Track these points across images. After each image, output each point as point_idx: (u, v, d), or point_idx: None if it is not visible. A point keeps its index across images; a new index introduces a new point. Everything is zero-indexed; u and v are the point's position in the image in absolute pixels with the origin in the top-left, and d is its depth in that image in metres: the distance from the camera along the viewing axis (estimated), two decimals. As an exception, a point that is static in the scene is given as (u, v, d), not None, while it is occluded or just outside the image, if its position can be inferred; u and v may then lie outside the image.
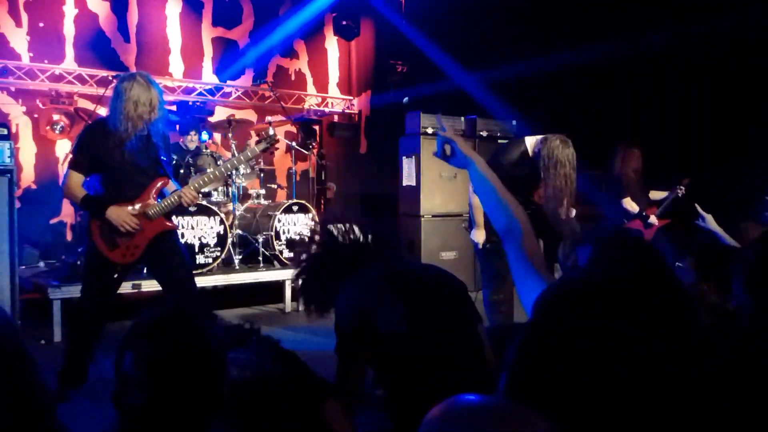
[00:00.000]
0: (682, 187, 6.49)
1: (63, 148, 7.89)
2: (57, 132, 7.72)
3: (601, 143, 6.92)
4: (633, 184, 6.62)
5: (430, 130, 7.86)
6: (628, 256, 1.63)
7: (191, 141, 7.32)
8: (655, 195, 6.71)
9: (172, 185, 4.21)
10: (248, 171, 7.26)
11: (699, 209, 4.78)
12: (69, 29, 8.14)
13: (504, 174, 4.81)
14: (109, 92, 6.75)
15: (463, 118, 8.15)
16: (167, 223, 4.11)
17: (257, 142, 4.57)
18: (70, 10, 8.13)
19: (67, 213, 7.83)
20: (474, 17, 8.49)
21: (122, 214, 3.88)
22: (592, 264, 1.83)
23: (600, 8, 7.44)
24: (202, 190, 5.78)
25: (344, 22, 9.69)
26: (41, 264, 7.30)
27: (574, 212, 5.14)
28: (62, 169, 7.21)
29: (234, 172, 6.90)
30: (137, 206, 3.97)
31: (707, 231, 4.63)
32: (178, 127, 7.42)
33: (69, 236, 7.87)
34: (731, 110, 7.38)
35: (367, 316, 2.03)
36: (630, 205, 6.54)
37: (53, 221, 7.92)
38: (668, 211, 6.52)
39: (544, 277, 1.62)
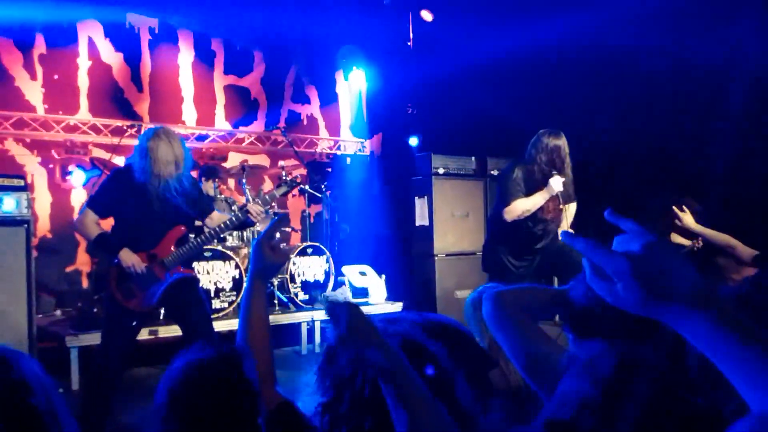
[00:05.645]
0: (700, 242, 6.39)
1: (78, 197, 7.97)
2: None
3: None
4: (668, 224, 6.51)
5: (441, 171, 7.91)
6: None
7: (208, 189, 7.33)
8: (676, 239, 6.59)
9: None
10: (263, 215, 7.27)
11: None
12: (83, 81, 8.29)
13: (517, 195, 4.95)
14: (125, 141, 6.89)
15: (473, 158, 8.19)
16: (184, 271, 4.13)
17: (277, 186, 4.61)
18: (83, 62, 8.29)
19: (83, 261, 7.88)
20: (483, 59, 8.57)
21: (133, 258, 3.91)
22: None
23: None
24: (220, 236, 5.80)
25: (354, 68, 9.84)
26: (57, 312, 7.32)
27: None
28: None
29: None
30: (153, 255, 4.01)
31: None
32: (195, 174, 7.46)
33: (84, 284, 7.90)
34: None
35: None
36: None
37: (69, 269, 7.96)
38: None
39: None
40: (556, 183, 4.91)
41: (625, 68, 7.45)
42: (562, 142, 5.02)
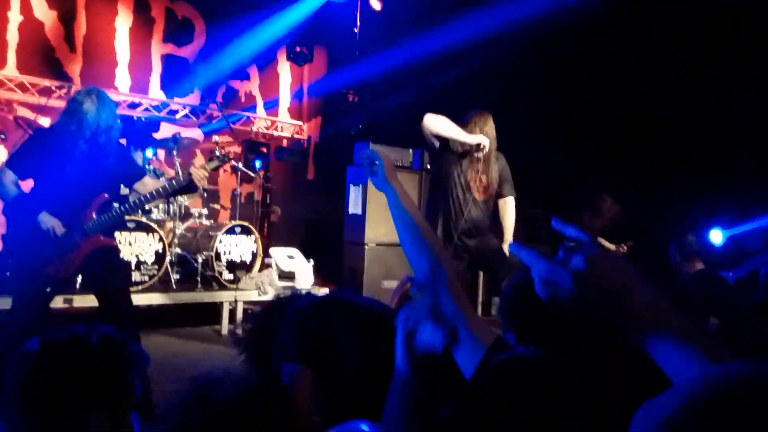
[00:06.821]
0: (625, 246, 6.58)
1: (-2, 155, 7.62)
2: (-7, 139, 7.46)
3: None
4: (593, 231, 6.67)
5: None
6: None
7: (137, 158, 7.15)
8: (602, 243, 6.76)
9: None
10: (192, 189, 7.13)
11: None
12: (12, 36, 7.90)
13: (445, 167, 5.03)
14: (53, 102, 6.62)
15: (410, 150, 8.19)
16: (104, 239, 3.99)
17: (209, 160, 4.48)
18: (15, 16, 7.90)
19: (-3, 223, 7.53)
20: (427, 52, 8.58)
21: (53, 220, 3.77)
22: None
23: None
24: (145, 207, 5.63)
25: (297, 48, 9.70)
26: (-35, 274, 6.97)
27: None
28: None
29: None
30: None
31: None
32: (124, 142, 7.24)
33: (-3, 247, 7.55)
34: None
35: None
36: None
37: (-19, 231, 7.60)
38: None
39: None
40: (483, 140, 5.10)
41: (571, 64, 7.59)
42: (488, 123, 5.20)
